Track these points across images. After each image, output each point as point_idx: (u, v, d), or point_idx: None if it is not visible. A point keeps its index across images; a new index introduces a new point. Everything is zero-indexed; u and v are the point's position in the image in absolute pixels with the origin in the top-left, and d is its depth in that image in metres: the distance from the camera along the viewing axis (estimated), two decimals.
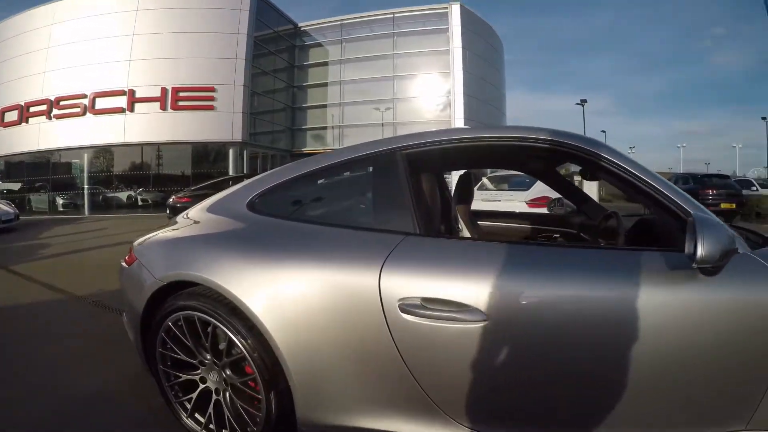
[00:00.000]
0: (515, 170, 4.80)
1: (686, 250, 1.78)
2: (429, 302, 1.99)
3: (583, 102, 41.55)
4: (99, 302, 5.69)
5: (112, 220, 20.90)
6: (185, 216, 2.89)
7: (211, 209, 2.74)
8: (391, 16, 35.26)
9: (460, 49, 33.01)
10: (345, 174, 2.68)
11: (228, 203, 2.71)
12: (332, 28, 36.78)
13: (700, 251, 1.70)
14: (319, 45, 37.08)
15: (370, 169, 2.50)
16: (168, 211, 15.73)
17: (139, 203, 27.95)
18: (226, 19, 28.49)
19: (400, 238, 2.16)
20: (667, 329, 1.85)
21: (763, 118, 46.39)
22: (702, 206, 2.02)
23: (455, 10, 33.51)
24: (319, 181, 2.69)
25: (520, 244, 2.24)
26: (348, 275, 2.12)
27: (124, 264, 2.88)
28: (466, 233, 3.32)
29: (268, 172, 2.80)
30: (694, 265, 1.75)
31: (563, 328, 1.91)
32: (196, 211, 2.83)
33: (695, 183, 17.34)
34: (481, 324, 1.93)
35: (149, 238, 2.84)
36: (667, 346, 1.85)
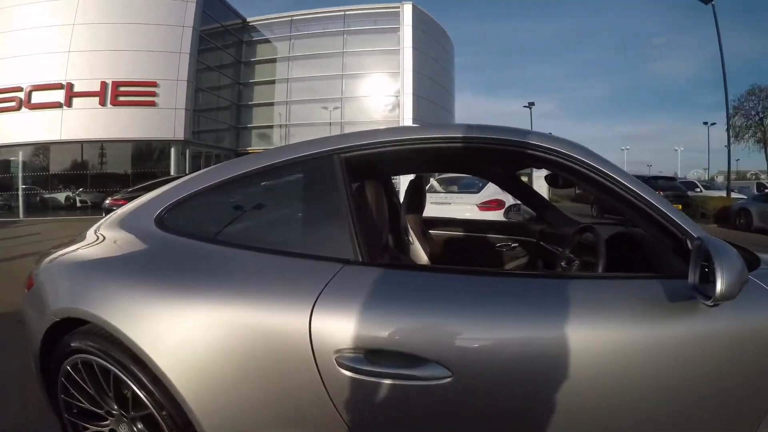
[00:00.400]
0: (472, 174, 4.43)
1: (691, 280, 1.55)
2: (375, 355, 1.59)
3: (530, 105, 42.14)
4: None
5: (48, 223, 19.71)
6: (95, 230, 2.40)
7: (122, 223, 2.25)
8: (342, 13, 34.98)
9: (411, 49, 33.00)
10: (270, 183, 2.21)
11: (137, 216, 2.22)
12: (281, 24, 36.16)
13: (721, 288, 1.43)
14: (267, 41, 36.36)
15: (301, 176, 2.07)
16: (104, 215, 14.82)
17: (78, 205, 26.66)
18: (171, 11, 27.50)
19: (336, 267, 1.73)
20: (665, 368, 1.61)
21: (705, 123, 48.13)
22: (698, 226, 1.76)
23: (407, 10, 33.50)
24: (239, 192, 2.21)
25: (495, 274, 1.89)
26: (270, 317, 1.68)
27: (26, 288, 2.40)
28: (417, 246, 2.96)
29: (183, 178, 2.31)
30: (710, 303, 1.48)
31: (551, 380, 1.58)
32: (107, 225, 2.32)
33: None
34: (445, 382, 1.55)
35: (53, 258, 2.35)
36: (665, 385, 1.62)
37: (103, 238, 2.23)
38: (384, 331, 1.60)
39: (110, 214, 2.40)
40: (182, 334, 1.74)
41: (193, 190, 2.14)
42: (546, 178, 2.82)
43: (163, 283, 1.86)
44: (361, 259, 1.77)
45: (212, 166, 2.32)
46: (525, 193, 3.53)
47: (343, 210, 1.86)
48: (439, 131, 2.05)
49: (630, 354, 1.59)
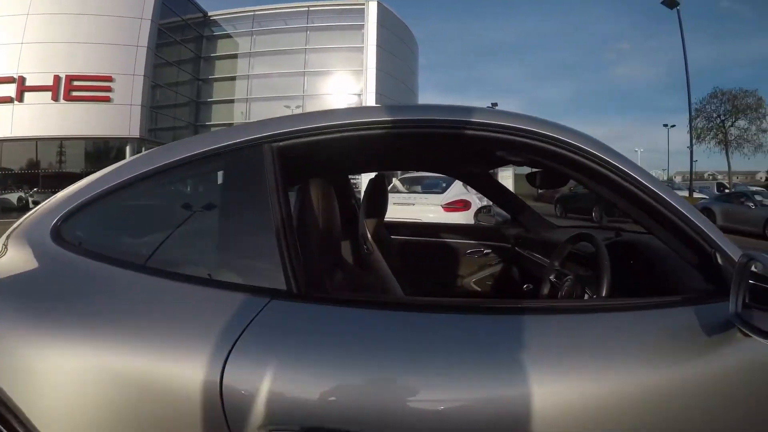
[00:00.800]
0: (443, 172, 3.95)
1: (733, 308, 1.20)
2: None
3: (493, 105, 42.37)
4: None
5: None
6: (4, 239, 1.85)
7: (26, 232, 1.67)
8: (306, 9, 34.52)
9: (375, 47, 32.87)
10: (182, 183, 1.70)
11: (38, 225, 1.66)
12: (243, 19, 35.58)
13: None
14: (229, 36, 35.70)
15: (221, 174, 1.60)
16: None
17: (31, 206, 25.45)
18: (129, 2, 26.73)
19: (260, 302, 1.25)
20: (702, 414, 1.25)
21: (665, 125, 49.16)
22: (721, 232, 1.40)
23: (372, 7, 33.34)
24: (145, 195, 1.67)
25: (484, 310, 1.40)
26: (169, 375, 1.19)
27: None
28: (377, 256, 2.50)
29: (87, 179, 1.73)
30: None
31: None
32: (16, 234, 1.73)
33: None
34: None
35: None
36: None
37: (5, 251, 1.73)
38: (328, 399, 1.15)
39: (22, 219, 1.89)
40: (62, 390, 1.26)
41: (93, 193, 1.60)
42: (528, 176, 2.39)
43: (45, 317, 1.36)
44: (296, 290, 1.29)
45: (119, 162, 1.75)
46: (498, 193, 3.18)
47: (273, 219, 1.38)
48: (414, 113, 1.58)
49: (663, 414, 1.21)
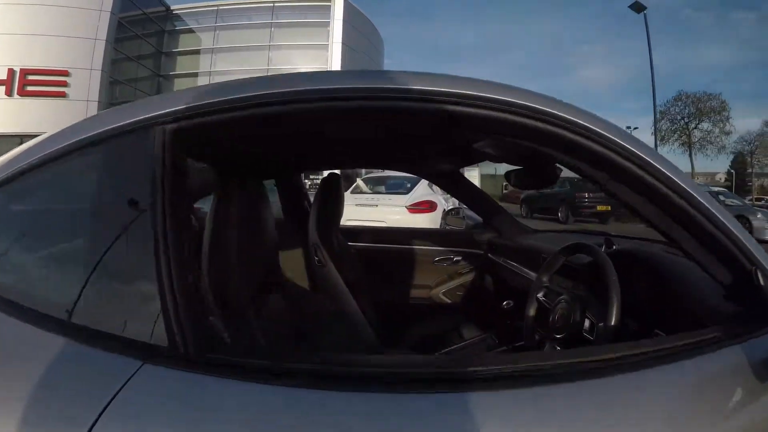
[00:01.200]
0: (408, 170, 3.50)
1: None
2: None
3: None
4: None
5: None
6: None
7: None
8: (271, 5, 34.19)
9: (340, 44, 32.70)
10: (51, 186, 1.13)
11: None
12: (207, 14, 35.04)
13: None
14: (191, 31, 35.06)
15: (96, 171, 1.11)
16: None
17: None
18: None
19: (130, 366, 0.85)
20: None
21: (628, 127, 50.17)
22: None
23: (338, 4, 33.16)
24: (14, 201, 1.13)
25: (474, 386, 0.88)
26: None
27: None
28: (331, 269, 2.12)
29: None
30: None
31: None
32: None
33: (572, 187, 17.34)
34: None
35: None
36: None
37: None
38: None
39: None
40: None
41: None
42: (507, 174, 2.02)
43: None
44: (182, 347, 0.88)
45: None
46: (468, 193, 2.90)
47: (155, 236, 0.94)
48: (375, 80, 1.13)
49: None
